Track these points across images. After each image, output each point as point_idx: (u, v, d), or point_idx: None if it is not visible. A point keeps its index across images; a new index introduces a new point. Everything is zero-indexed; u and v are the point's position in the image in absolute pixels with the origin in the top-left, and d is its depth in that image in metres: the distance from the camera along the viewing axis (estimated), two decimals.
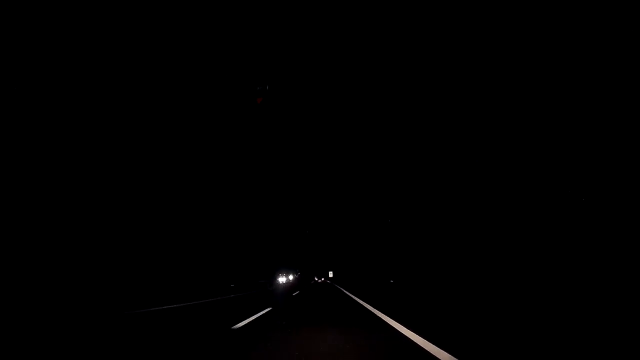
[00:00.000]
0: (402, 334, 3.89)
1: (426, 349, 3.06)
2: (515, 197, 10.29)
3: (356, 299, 10.34)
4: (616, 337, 3.39)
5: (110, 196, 13.52)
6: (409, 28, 13.19)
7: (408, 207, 21.05)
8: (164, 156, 16.99)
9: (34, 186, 10.78)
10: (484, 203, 12.13)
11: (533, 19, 9.10)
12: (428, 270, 17.68)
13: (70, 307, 7.98)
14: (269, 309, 7.37)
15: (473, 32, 11.20)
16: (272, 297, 12.42)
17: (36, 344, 3.80)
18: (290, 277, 56.12)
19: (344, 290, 16.80)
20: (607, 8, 7.59)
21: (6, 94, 10.13)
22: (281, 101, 19.76)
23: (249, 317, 5.89)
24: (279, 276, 44.20)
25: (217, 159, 22.75)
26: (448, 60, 12.79)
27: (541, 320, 4.67)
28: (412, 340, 3.41)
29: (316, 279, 69.34)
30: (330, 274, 68.66)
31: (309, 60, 17.19)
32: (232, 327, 4.74)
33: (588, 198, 7.84)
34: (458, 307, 6.84)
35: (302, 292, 16.50)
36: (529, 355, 2.89)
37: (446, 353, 2.85)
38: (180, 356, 3.12)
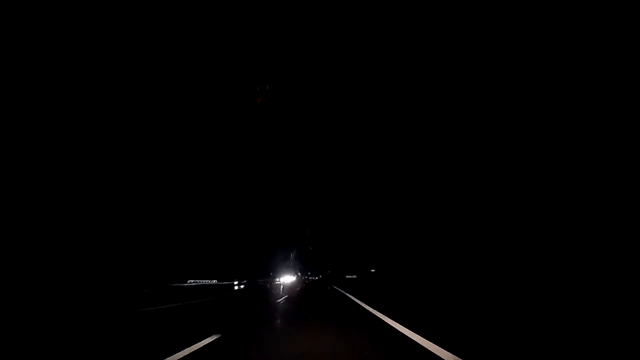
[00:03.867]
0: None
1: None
2: (513, 196, 10.32)
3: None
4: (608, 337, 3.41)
5: (112, 196, 13.51)
6: (409, 28, 13.22)
7: (406, 207, 21.07)
8: (165, 157, 16.99)
9: (32, 187, 10.78)
10: (481, 203, 12.15)
11: (533, 19, 9.13)
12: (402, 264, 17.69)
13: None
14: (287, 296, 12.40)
15: (473, 33, 11.23)
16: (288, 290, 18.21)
17: (49, 344, 3.78)
18: (294, 277, 56.30)
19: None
20: (607, 8, 7.62)
21: (6, 94, 10.13)
22: (281, 101, 19.78)
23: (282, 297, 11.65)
24: (287, 276, 48.74)
25: (218, 159, 22.75)
26: (448, 60, 12.81)
27: (538, 320, 4.69)
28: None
29: (311, 278, 72.25)
30: (317, 277, 72.51)
31: (309, 60, 17.21)
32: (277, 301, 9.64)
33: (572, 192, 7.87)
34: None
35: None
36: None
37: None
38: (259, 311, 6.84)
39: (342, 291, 14.58)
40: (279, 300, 10.02)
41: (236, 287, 18.85)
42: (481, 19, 10.79)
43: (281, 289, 20.15)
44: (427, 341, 3.48)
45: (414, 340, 3.58)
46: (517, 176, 10.21)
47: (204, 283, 16.44)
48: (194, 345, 3.72)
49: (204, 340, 3.96)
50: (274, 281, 30.80)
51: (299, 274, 63.91)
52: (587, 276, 7.14)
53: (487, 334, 3.86)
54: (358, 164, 28.36)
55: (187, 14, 13.31)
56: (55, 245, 10.96)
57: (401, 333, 4.04)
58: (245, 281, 22.10)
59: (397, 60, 15.28)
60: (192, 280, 16.21)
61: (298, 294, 13.53)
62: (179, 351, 3.48)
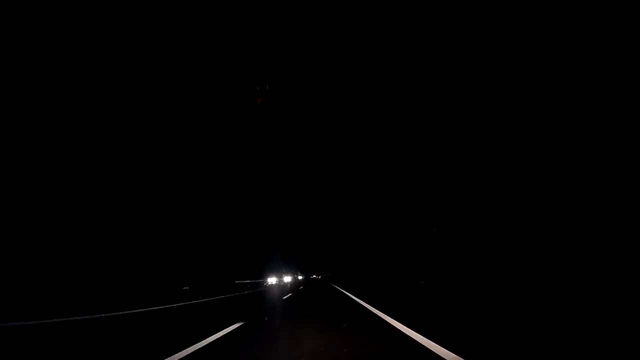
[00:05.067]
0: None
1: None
2: (512, 198, 10.32)
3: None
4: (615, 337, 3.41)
5: (112, 196, 13.52)
6: (408, 29, 13.23)
7: (404, 207, 21.07)
8: (165, 156, 16.99)
9: (31, 186, 10.78)
10: (481, 203, 12.15)
11: (533, 19, 9.14)
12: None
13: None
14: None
15: (473, 33, 11.23)
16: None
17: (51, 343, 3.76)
18: (300, 277, 57.69)
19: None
20: (607, 8, 7.63)
21: (6, 94, 10.13)
22: (281, 101, 19.78)
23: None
24: (292, 275, 50.03)
25: (217, 159, 22.75)
26: (447, 60, 12.82)
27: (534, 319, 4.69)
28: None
29: (313, 277, 72.92)
30: (320, 277, 73.13)
31: (309, 60, 17.21)
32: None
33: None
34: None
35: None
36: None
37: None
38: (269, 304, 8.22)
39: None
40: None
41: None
42: (481, 19, 10.80)
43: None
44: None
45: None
46: (517, 176, 10.22)
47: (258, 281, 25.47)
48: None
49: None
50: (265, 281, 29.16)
51: (297, 274, 63.83)
52: (586, 276, 7.14)
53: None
54: (358, 163, 28.36)
55: (187, 14, 13.32)
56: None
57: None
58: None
59: (396, 60, 15.28)
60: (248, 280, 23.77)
61: None
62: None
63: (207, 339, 3.66)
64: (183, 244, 19.68)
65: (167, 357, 2.85)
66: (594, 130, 7.99)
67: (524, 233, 9.71)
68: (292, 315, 6.16)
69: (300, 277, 58.87)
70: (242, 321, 4.92)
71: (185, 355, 2.94)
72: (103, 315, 5.87)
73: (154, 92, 15.07)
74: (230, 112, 19.37)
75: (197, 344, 3.36)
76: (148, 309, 6.84)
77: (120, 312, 6.30)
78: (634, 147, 7.03)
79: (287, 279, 38.00)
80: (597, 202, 7.64)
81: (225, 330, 4.20)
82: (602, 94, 7.86)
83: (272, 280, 28.14)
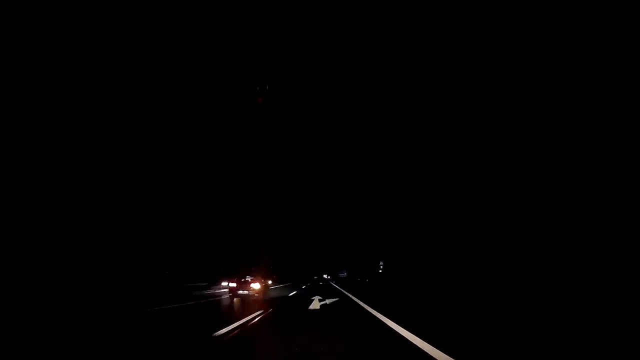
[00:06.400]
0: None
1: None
2: (512, 197, 10.32)
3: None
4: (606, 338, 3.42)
5: (113, 196, 13.54)
6: (409, 28, 13.22)
7: (406, 206, 21.06)
8: (165, 157, 17.00)
9: (50, 188, 10.81)
10: (481, 204, 12.15)
11: (533, 19, 9.13)
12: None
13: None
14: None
15: (473, 33, 11.22)
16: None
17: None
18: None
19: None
20: (607, 8, 7.62)
21: (6, 94, 10.15)
22: (281, 101, 19.78)
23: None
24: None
25: (218, 159, 22.77)
26: (447, 60, 12.81)
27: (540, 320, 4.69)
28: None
29: (315, 278, 71.24)
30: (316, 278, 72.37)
31: (309, 60, 17.21)
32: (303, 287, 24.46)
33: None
34: None
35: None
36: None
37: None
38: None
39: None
40: None
41: None
42: (481, 19, 10.79)
43: None
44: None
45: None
46: (516, 176, 10.22)
47: None
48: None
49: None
50: None
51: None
52: (584, 278, 7.15)
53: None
54: (359, 163, 28.37)
55: (186, 14, 13.32)
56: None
57: None
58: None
59: (396, 59, 15.28)
60: None
61: None
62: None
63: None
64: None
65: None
66: (593, 130, 8.00)
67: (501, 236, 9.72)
68: None
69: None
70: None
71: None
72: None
73: (155, 92, 15.08)
74: (230, 112, 19.38)
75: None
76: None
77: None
78: (624, 148, 7.04)
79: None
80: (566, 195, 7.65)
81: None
82: (602, 94, 7.87)
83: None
